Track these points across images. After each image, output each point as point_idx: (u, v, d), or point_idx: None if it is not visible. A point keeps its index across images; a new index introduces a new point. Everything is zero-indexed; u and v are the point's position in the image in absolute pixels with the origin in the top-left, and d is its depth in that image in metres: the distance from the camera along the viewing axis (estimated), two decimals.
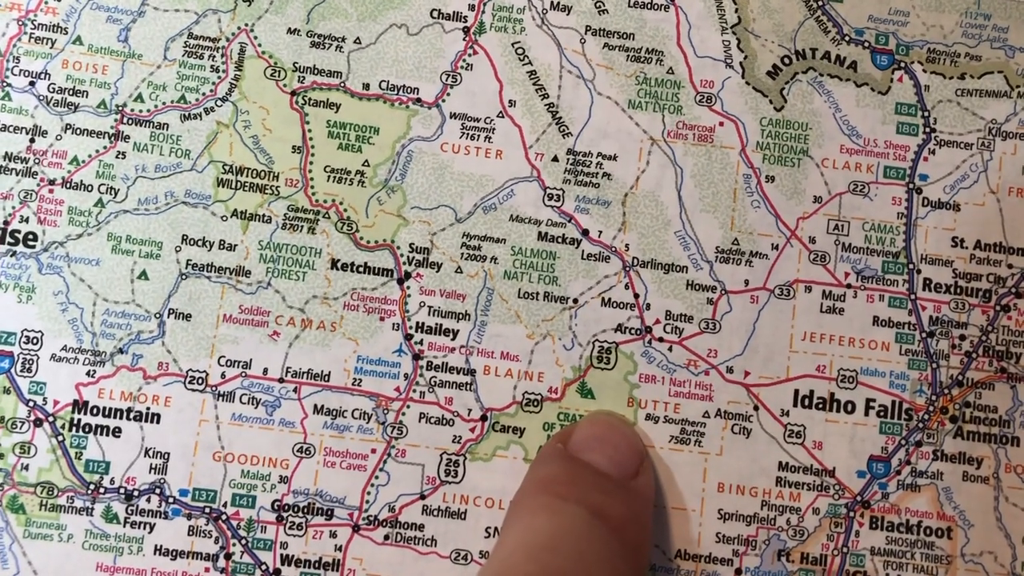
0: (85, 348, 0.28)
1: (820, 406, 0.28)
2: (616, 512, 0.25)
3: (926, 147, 0.29)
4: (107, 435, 0.28)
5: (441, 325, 0.28)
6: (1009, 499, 0.28)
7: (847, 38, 0.30)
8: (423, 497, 0.28)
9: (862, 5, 0.30)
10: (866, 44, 0.30)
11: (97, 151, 0.28)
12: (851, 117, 0.29)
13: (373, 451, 0.28)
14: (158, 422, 0.28)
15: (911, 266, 0.29)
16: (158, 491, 0.28)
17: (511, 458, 0.28)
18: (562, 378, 0.28)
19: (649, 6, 0.30)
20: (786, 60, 0.29)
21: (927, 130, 0.29)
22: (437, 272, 0.29)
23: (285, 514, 0.28)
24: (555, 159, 0.29)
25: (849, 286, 0.29)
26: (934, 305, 0.29)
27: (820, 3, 0.30)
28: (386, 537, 0.28)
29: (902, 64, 0.30)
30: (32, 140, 0.28)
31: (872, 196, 0.29)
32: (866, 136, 0.29)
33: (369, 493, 0.28)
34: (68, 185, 0.28)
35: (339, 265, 0.29)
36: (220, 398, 0.28)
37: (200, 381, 0.28)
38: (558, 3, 0.30)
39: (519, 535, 0.25)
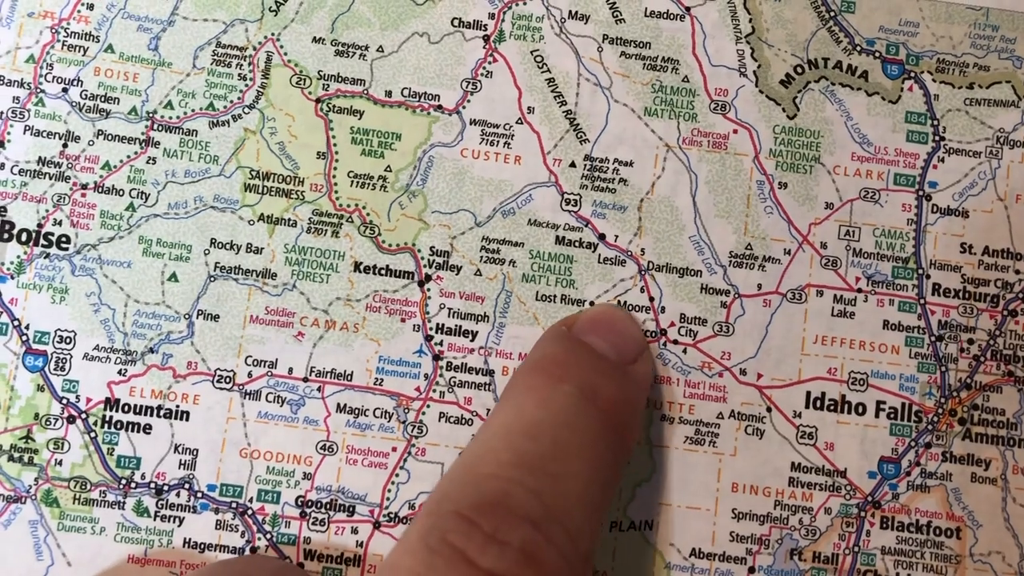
0: (117, 348, 0.29)
1: (832, 408, 0.29)
2: (608, 392, 0.25)
3: (935, 155, 0.30)
4: (138, 432, 0.29)
5: (461, 327, 0.29)
6: (1017, 500, 0.29)
7: (858, 48, 0.30)
8: None
9: (873, 16, 0.30)
10: (877, 54, 0.30)
11: (128, 156, 0.29)
12: (862, 125, 0.30)
13: (394, 449, 0.29)
14: (187, 419, 0.29)
15: (920, 271, 0.30)
16: (187, 486, 0.28)
17: None
18: None
19: (665, 16, 0.30)
20: (799, 69, 0.30)
21: (936, 138, 0.30)
22: (457, 275, 0.29)
23: (308, 510, 0.29)
24: (572, 165, 0.30)
25: (860, 291, 0.29)
26: (943, 309, 0.29)
27: (832, 13, 0.30)
28: None
29: (912, 74, 0.30)
30: (65, 145, 0.29)
31: (882, 203, 0.30)
32: (877, 144, 0.30)
33: (390, 491, 0.29)
34: (100, 189, 0.29)
35: (362, 268, 0.29)
36: (247, 396, 0.29)
37: (228, 380, 0.29)
38: (576, 12, 0.30)
39: (503, 417, 0.25)
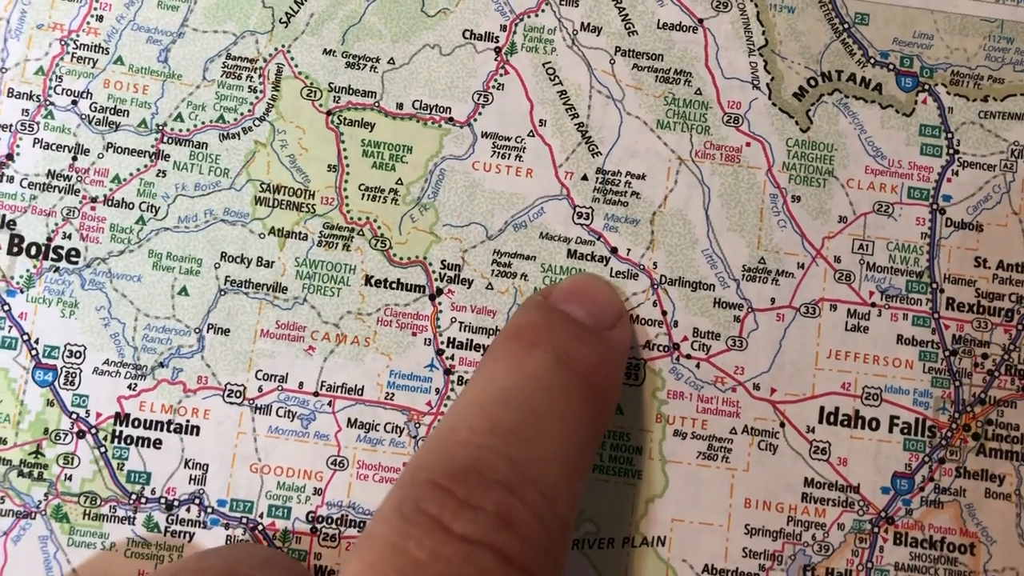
0: (127, 362, 0.29)
1: (845, 423, 0.29)
2: (583, 356, 0.25)
3: (949, 168, 0.30)
4: (148, 447, 0.28)
5: (472, 340, 0.29)
6: None
7: (872, 60, 0.30)
8: None
9: (887, 28, 0.30)
10: (891, 66, 0.30)
11: (138, 169, 0.29)
12: (876, 138, 0.30)
13: (405, 464, 0.29)
14: (197, 434, 0.29)
15: (934, 285, 0.29)
16: (197, 501, 0.28)
17: None
18: None
19: (678, 28, 0.30)
20: (812, 82, 0.30)
21: (950, 151, 0.30)
22: (468, 288, 0.29)
23: (319, 525, 0.28)
24: (584, 178, 0.30)
25: (873, 305, 0.29)
26: (957, 324, 0.29)
27: (846, 25, 0.30)
28: None
29: (926, 86, 0.30)
30: (74, 158, 0.29)
31: (896, 216, 0.30)
32: (890, 157, 0.30)
33: None
34: (110, 203, 0.29)
35: (373, 281, 0.29)
36: (257, 411, 0.29)
37: (238, 394, 0.29)
38: (588, 24, 0.30)
39: (477, 385, 0.25)
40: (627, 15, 0.30)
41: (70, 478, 0.28)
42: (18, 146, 0.29)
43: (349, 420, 0.29)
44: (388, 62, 0.30)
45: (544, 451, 0.23)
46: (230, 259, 0.29)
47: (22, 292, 0.29)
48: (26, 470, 0.28)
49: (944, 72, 0.30)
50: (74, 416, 0.28)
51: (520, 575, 0.22)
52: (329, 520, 0.28)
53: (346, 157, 0.30)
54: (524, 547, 0.22)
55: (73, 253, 0.29)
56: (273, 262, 0.29)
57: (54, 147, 0.29)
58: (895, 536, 0.29)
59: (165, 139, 0.29)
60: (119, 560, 0.28)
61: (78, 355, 0.29)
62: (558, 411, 0.24)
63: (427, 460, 0.23)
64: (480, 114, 0.30)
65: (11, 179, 0.29)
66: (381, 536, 0.22)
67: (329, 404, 0.29)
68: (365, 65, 0.30)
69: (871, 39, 0.30)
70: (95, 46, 0.30)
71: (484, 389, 0.25)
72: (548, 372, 0.25)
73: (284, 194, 0.29)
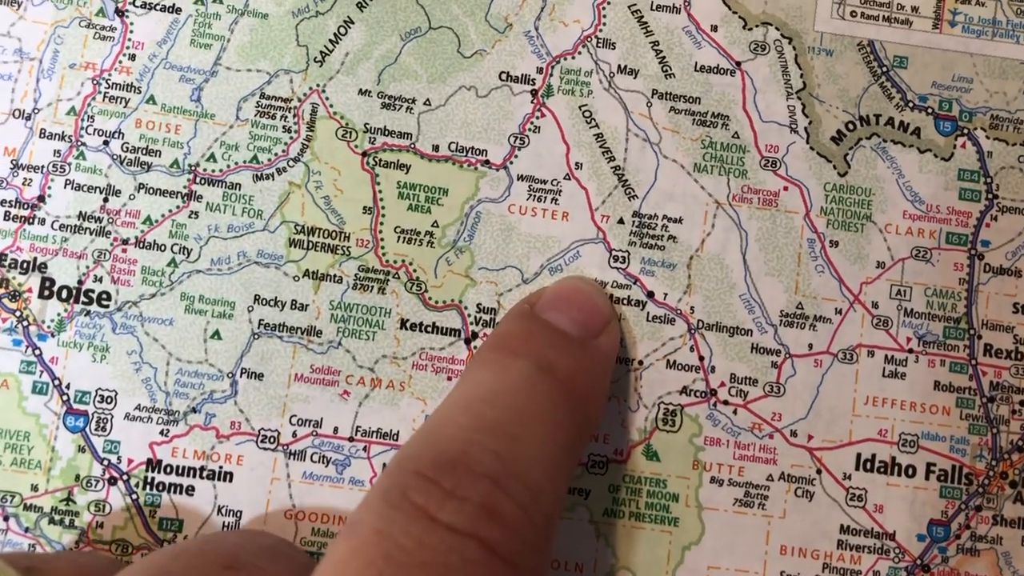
0: (159, 407, 0.28)
1: (881, 470, 0.29)
2: (564, 366, 0.26)
3: (988, 213, 0.30)
4: (181, 493, 0.28)
5: None
6: None
7: (911, 104, 0.30)
8: None
9: (926, 71, 0.30)
10: (929, 110, 0.30)
11: (170, 211, 0.29)
12: (914, 183, 0.30)
13: None
14: (231, 480, 0.28)
15: (972, 332, 0.29)
16: None
17: (576, 520, 0.28)
18: (627, 440, 0.29)
19: (715, 71, 0.30)
20: (850, 126, 0.30)
21: (989, 196, 0.30)
22: None
23: None
24: (621, 221, 0.29)
25: (911, 351, 0.29)
26: (995, 371, 0.29)
27: (884, 69, 0.30)
28: None
29: (965, 130, 0.30)
30: (106, 199, 0.29)
31: (934, 262, 0.29)
32: (929, 202, 0.30)
33: None
34: (141, 245, 0.29)
35: (408, 325, 0.29)
36: (291, 457, 0.28)
37: (272, 440, 0.28)
38: (625, 67, 0.30)
39: (463, 388, 0.25)
40: (664, 58, 0.30)
41: (101, 525, 0.28)
42: (50, 187, 0.29)
43: (384, 465, 0.28)
44: (424, 103, 0.29)
45: (529, 449, 0.24)
46: (264, 302, 0.29)
47: (53, 336, 0.28)
48: (57, 517, 0.28)
49: (983, 116, 0.30)
50: (105, 462, 0.28)
51: (504, 566, 0.22)
52: None
53: (381, 199, 0.29)
54: (509, 538, 0.22)
55: (104, 296, 0.28)
56: (307, 305, 0.29)
57: (85, 188, 0.29)
58: None
59: (198, 180, 0.29)
60: None
61: (109, 400, 0.28)
62: (541, 414, 0.25)
63: (414, 451, 0.24)
64: (516, 157, 0.30)
65: (42, 221, 0.28)
66: (367, 523, 0.22)
67: (364, 449, 0.29)
68: (401, 106, 0.29)
69: (910, 83, 0.30)
70: (127, 85, 0.29)
71: (470, 390, 0.25)
72: (530, 379, 0.25)
73: (319, 236, 0.29)
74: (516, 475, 0.23)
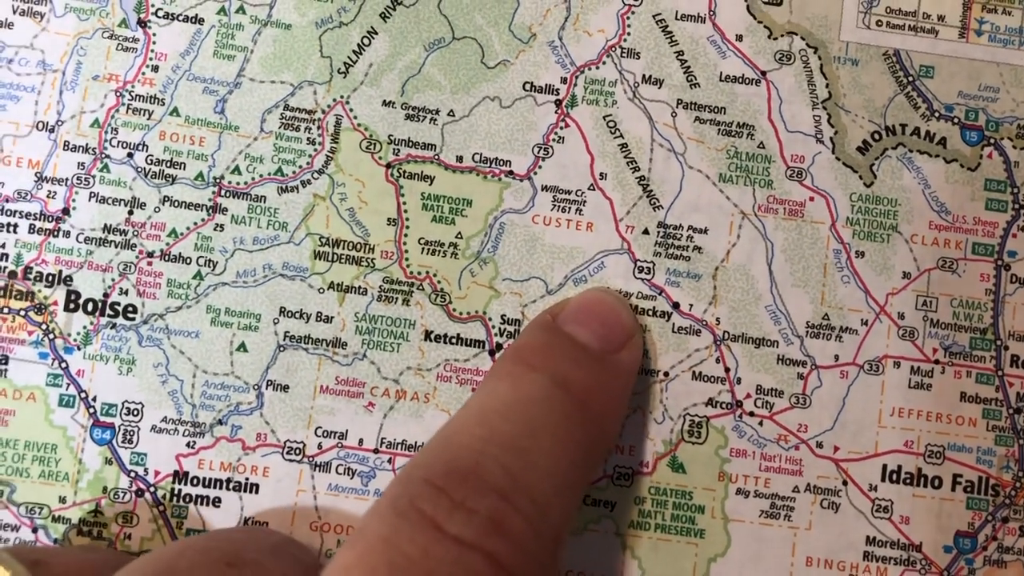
0: (185, 419, 0.28)
1: (908, 481, 0.29)
2: (581, 380, 0.26)
3: (1015, 223, 0.29)
4: (207, 505, 0.28)
5: None
6: None
7: (937, 114, 0.30)
8: None
9: (952, 81, 0.30)
10: (956, 120, 0.30)
11: (195, 223, 0.29)
12: (940, 193, 0.30)
13: None
14: (257, 492, 0.28)
15: (999, 343, 0.29)
16: None
17: (602, 532, 0.28)
18: (653, 452, 0.29)
19: (740, 80, 0.30)
20: (876, 136, 0.30)
21: (1016, 207, 0.30)
22: None
23: None
24: (646, 232, 0.29)
25: (937, 362, 0.29)
26: (1021, 382, 0.29)
27: (910, 79, 0.30)
28: None
29: (992, 140, 0.30)
30: (131, 212, 0.29)
31: (960, 272, 0.29)
32: (955, 212, 0.29)
33: None
34: (167, 257, 0.29)
35: (432, 336, 0.29)
36: (317, 468, 0.28)
37: (297, 452, 0.28)
38: (650, 76, 0.30)
39: (479, 398, 0.26)
40: (689, 67, 0.30)
41: (129, 537, 0.28)
42: (74, 200, 0.29)
43: None
44: (448, 114, 0.29)
45: (539, 463, 0.24)
46: (289, 314, 0.29)
47: (79, 349, 0.28)
48: (85, 529, 0.28)
49: (1010, 126, 0.30)
50: (132, 474, 0.28)
51: None
52: None
53: (406, 211, 0.29)
54: (514, 553, 0.22)
55: (130, 309, 0.28)
56: (332, 317, 0.29)
57: (110, 201, 0.29)
58: None
59: (222, 192, 0.29)
60: None
61: (136, 413, 0.28)
62: (554, 427, 0.25)
63: (425, 460, 0.24)
64: (540, 167, 0.29)
65: (67, 234, 0.28)
66: (374, 530, 0.22)
67: (389, 461, 0.29)
68: (425, 117, 0.29)
69: (936, 92, 0.30)
70: (151, 97, 0.29)
71: (486, 401, 0.25)
72: (546, 394, 0.25)
73: (343, 248, 0.29)
74: (525, 490, 0.23)
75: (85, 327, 0.28)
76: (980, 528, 0.29)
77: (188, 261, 0.29)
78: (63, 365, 0.28)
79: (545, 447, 0.24)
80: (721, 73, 0.30)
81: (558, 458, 0.24)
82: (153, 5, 0.29)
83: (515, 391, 0.25)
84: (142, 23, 0.29)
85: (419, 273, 0.29)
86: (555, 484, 0.24)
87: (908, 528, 0.29)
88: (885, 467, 0.29)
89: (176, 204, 0.29)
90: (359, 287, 0.29)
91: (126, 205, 0.29)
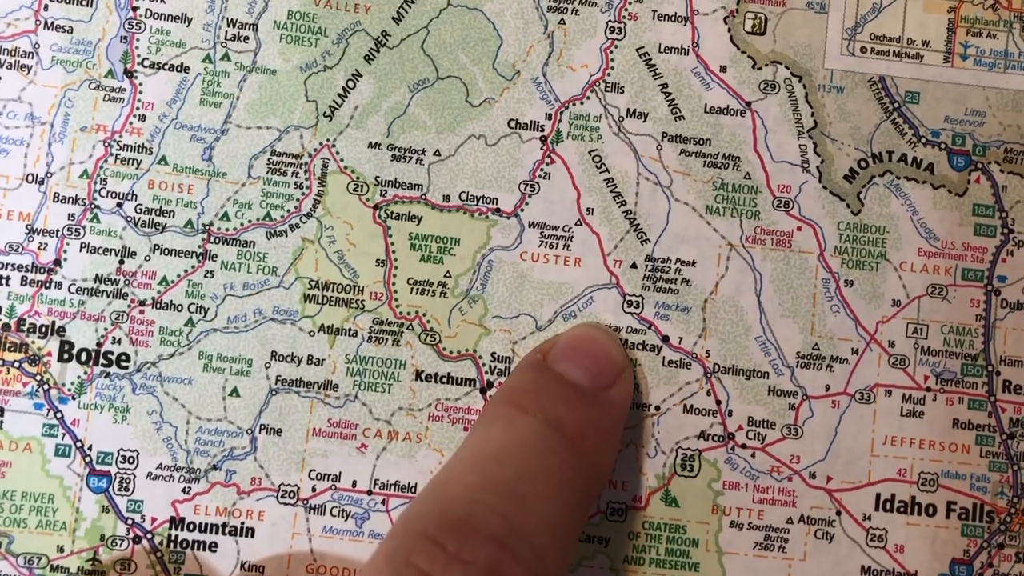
0: (180, 466, 0.29)
1: (902, 509, 0.29)
2: (574, 421, 0.26)
3: (1004, 248, 0.29)
4: (204, 550, 0.28)
5: None
6: None
7: (923, 140, 0.30)
8: None
9: (938, 106, 0.30)
10: (942, 145, 0.30)
11: (186, 271, 0.29)
12: (928, 219, 0.29)
13: None
14: (252, 536, 0.29)
15: (990, 368, 0.29)
16: None
17: (596, 568, 0.29)
18: (646, 486, 0.29)
19: (725, 111, 0.30)
20: (863, 163, 0.30)
21: (1005, 231, 0.29)
22: None
23: None
24: (634, 266, 0.29)
25: (929, 389, 0.29)
26: (1014, 407, 0.29)
27: (896, 105, 0.30)
28: None
29: (979, 165, 0.30)
30: (121, 262, 0.29)
31: (950, 299, 0.29)
32: (944, 238, 0.29)
33: None
34: (158, 305, 0.29)
35: (423, 376, 0.29)
36: (311, 511, 0.29)
37: (292, 495, 0.29)
38: (634, 110, 0.30)
39: (472, 443, 0.26)
40: (674, 100, 0.30)
41: None
42: (65, 251, 0.29)
43: None
44: (434, 154, 0.30)
45: (535, 508, 0.24)
46: (280, 358, 0.29)
47: (74, 399, 0.29)
48: None
49: (997, 150, 0.30)
50: (130, 522, 0.28)
51: None
52: None
53: (394, 251, 0.29)
54: None
55: (123, 358, 0.29)
56: (323, 360, 0.29)
57: (101, 251, 0.29)
58: None
59: (212, 239, 0.29)
60: None
61: (132, 460, 0.29)
62: (548, 472, 0.25)
63: (421, 511, 0.24)
64: (527, 204, 0.30)
65: (59, 285, 0.29)
66: None
67: (383, 503, 0.29)
68: (411, 158, 0.29)
69: (922, 118, 0.30)
70: (138, 146, 0.29)
71: (479, 447, 0.25)
72: (539, 436, 0.25)
73: (333, 291, 0.29)
74: (522, 536, 0.23)
75: (79, 377, 0.29)
76: (976, 555, 0.29)
77: (179, 308, 0.29)
78: (58, 415, 0.29)
79: (541, 492, 0.24)
80: (706, 105, 0.30)
81: (555, 502, 0.24)
82: (139, 55, 0.29)
83: (508, 435, 0.25)
84: (128, 73, 0.29)
85: (409, 313, 0.29)
86: (553, 529, 0.24)
87: (903, 557, 0.29)
88: (879, 496, 0.29)
89: (166, 252, 0.29)
90: (349, 329, 0.29)
91: (117, 255, 0.29)
